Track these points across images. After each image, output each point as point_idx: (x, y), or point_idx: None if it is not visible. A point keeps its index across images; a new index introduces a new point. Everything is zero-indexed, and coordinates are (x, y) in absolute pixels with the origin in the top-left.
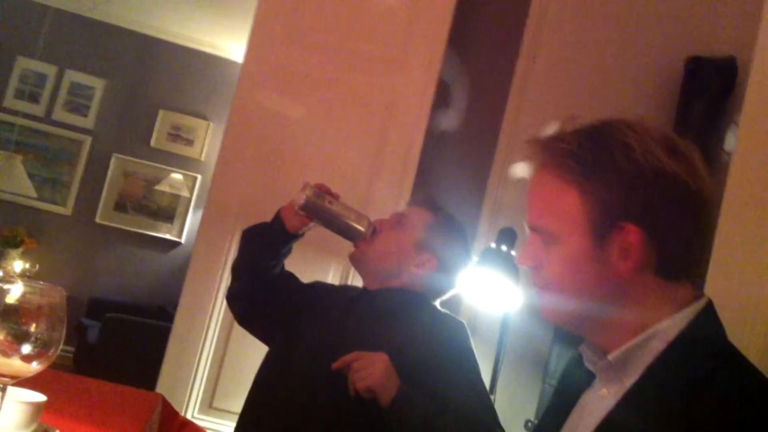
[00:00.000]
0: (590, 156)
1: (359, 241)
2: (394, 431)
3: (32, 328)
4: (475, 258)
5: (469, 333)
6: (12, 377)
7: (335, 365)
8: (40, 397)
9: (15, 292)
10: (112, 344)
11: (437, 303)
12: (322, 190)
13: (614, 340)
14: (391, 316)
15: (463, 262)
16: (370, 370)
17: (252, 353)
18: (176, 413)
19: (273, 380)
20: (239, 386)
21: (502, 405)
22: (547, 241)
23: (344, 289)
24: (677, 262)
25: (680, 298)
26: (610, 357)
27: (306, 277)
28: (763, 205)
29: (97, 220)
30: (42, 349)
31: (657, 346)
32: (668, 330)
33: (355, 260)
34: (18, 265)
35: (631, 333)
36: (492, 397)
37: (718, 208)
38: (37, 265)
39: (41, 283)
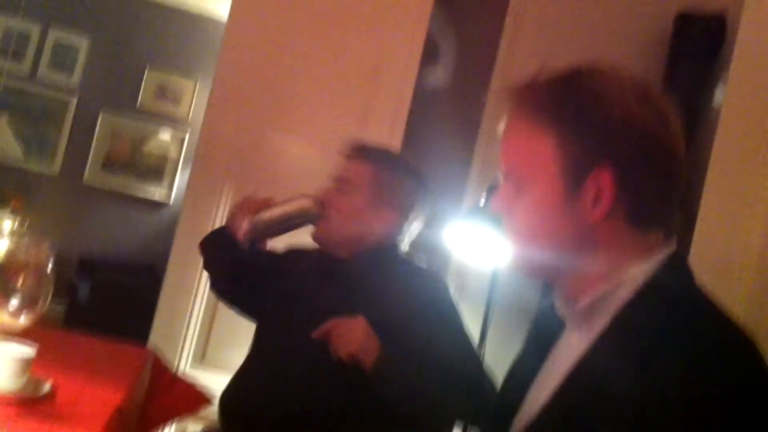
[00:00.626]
0: (562, 102)
1: (316, 222)
2: (380, 393)
3: (19, 283)
4: (428, 191)
5: (447, 283)
6: (0, 331)
7: (314, 334)
8: (30, 351)
9: (0, 248)
10: (102, 303)
11: (408, 244)
12: (254, 207)
13: (584, 288)
14: (366, 281)
15: (421, 198)
16: (350, 337)
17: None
18: (166, 369)
19: (260, 355)
20: (232, 339)
21: (492, 359)
22: (518, 188)
23: (318, 254)
24: (647, 209)
25: (650, 246)
26: (579, 305)
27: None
28: (749, 160)
29: (85, 180)
30: (29, 303)
31: (625, 293)
32: (636, 278)
33: (319, 240)
34: (7, 224)
35: (600, 281)
36: (481, 351)
37: (690, 156)
38: (26, 225)
39: (27, 239)
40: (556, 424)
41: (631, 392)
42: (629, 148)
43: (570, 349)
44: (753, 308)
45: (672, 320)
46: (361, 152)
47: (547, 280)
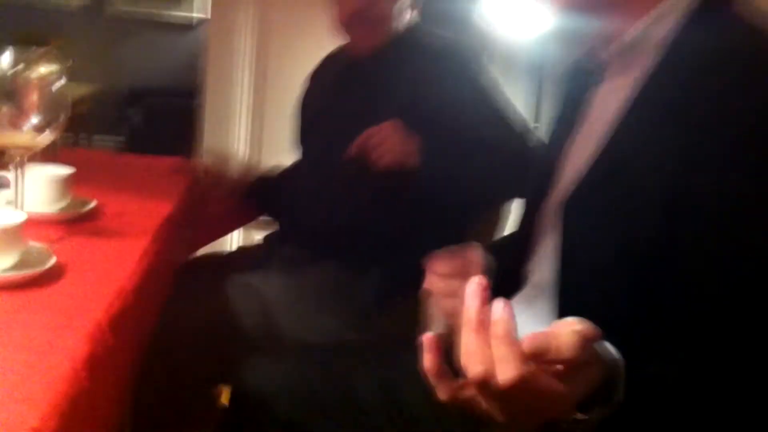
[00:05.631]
0: None
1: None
2: (425, 190)
3: (33, 102)
4: None
5: (476, 53)
6: (26, 149)
7: (350, 152)
8: (68, 170)
9: (4, 61)
10: (158, 128)
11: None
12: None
13: (630, 23)
14: (394, 69)
15: None
16: (387, 145)
17: (289, 112)
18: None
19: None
20: (283, 144)
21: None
22: None
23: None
24: None
25: None
26: (627, 37)
27: None
28: None
29: (118, 6)
30: (51, 117)
31: (669, 25)
32: (678, 6)
33: (360, 47)
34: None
35: (646, 13)
36: (537, 125)
37: None
38: (71, 61)
39: (34, 48)
40: (609, 174)
41: (687, 127)
42: None
43: (608, 99)
44: None
45: (726, 49)
46: None
47: (593, 10)
